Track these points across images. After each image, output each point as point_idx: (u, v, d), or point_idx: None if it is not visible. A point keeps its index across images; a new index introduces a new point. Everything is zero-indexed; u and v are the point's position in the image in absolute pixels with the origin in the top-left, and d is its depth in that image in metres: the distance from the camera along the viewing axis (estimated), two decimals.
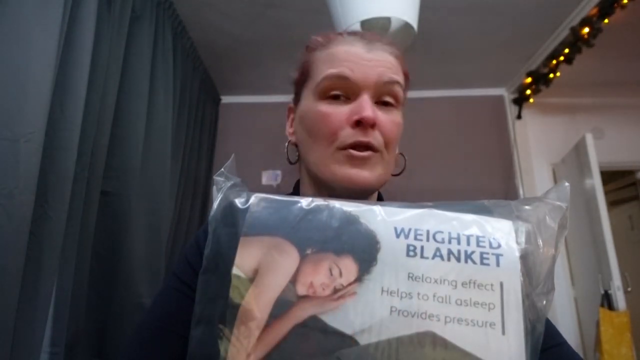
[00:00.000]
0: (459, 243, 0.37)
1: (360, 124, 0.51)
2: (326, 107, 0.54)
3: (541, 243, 0.38)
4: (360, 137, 0.52)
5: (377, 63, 0.54)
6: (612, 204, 3.44)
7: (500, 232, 0.38)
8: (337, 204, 0.41)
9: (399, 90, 0.55)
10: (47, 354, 1.06)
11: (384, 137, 0.53)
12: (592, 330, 2.21)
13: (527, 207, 0.40)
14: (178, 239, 1.94)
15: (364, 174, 0.52)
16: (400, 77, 0.56)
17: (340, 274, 0.36)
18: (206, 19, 1.92)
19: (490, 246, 0.37)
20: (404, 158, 0.63)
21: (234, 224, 0.40)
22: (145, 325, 0.49)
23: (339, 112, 0.53)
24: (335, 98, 0.54)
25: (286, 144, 0.63)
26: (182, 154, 1.93)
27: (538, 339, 0.36)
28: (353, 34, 0.59)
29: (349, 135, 0.52)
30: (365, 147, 0.52)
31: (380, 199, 0.61)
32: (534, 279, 0.37)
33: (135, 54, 1.45)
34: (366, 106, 0.52)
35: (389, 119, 0.54)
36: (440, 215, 0.39)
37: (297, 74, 0.61)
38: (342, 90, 0.54)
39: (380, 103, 0.54)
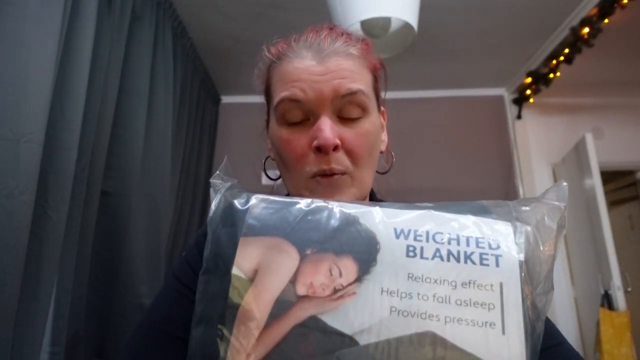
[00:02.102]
0: (458, 244, 0.37)
1: (320, 150, 0.49)
2: (287, 133, 0.52)
3: (540, 243, 0.38)
4: (323, 165, 0.49)
5: (331, 76, 0.50)
6: (612, 204, 3.44)
7: (500, 233, 0.38)
8: (337, 205, 0.41)
9: (361, 98, 0.51)
10: (47, 354, 1.06)
11: (350, 155, 0.51)
12: (592, 330, 2.21)
13: (525, 207, 0.40)
14: (178, 239, 1.94)
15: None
16: (362, 82, 0.52)
17: (340, 274, 0.36)
18: (206, 19, 1.92)
19: (490, 247, 0.37)
20: (392, 155, 0.61)
21: (233, 224, 0.40)
22: (145, 326, 0.49)
23: (300, 137, 0.51)
24: (296, 121, 0.52)
25: (264, 160, 0.62)
26: (182, 154, 1.93)
27: (538, 338, 0.36)
28: (304, 40, 0.54)
29: (313, 163, 0.50)
30: (331, 173, 0.50)
31: (372, 197, 0.61)
32: (534, 279, 0.37)
33: (135, 54, 1.45)
34: (324, 129, 0.48)
35: (354, 134, 0.51)
36: (439, 217, 0.39)
37: (262, 87, 0.59)
38: (299, 112, 0.51)
39: (344, 116, 0.51)
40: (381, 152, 0.60)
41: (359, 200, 0.53)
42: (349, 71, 0.51)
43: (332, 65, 0.51)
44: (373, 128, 0.53)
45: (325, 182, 0.50)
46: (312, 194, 0.51)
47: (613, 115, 2.73)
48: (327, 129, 0.49)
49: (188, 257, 0.52)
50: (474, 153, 2.60)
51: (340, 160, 0.50)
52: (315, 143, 0.49)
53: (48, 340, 1.05)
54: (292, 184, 0.53)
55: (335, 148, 0.49)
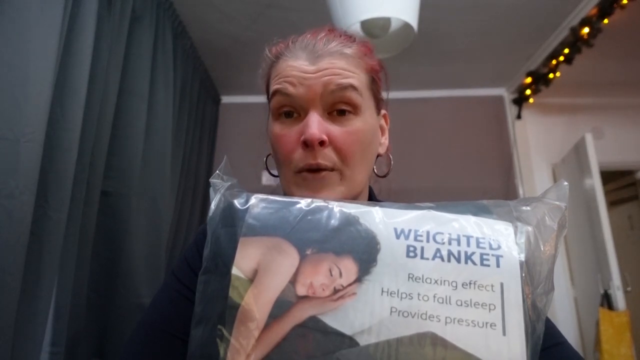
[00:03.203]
0: (459, 244, 0.37)
1: (307, 144, 0.49)
2: (279, 128, 0.53)
3: (541, 243, 0.38)
4: (310, 160, 0.49)
5: (322, 73, 0.50)
6: (611, 204, 3.44)
7: (500, 233, 0.38)
8: (337, 205, 0.41)
9: (352, 94, 0.51)
10: (47, 353, 1.06)
11: (339, 153, 0.50)
12: (592, 330, 2.21)
13: (526, 207, 0.40)
14: (178, 239, 1.94)
15: (322, 197, 0.48)
16: (355, 79, 0.52)
17: (340, 275, 0.36)
18: (206, 19, 1.92)
19: (490, 247, 0.37)
20: (390, 159, 0.61)
21: (233, 224, 0.40)
22: (144, 326, 0.49)
23: (290, 132, 0.51)
24: (289, 116, 0.52)
25: (265, 158, 0.62)
26: (182, 154, 1.93)
27: (538, 339, 0.36)
28: (301, 41, 0.55)
29: (300, 158, 0.50)
30: (318, 168, 0.50)
31: (372, 196, 0.61)
32: (534, 279, 0.37)
33: (135, 54, 1.45)
34: (311, 124, 0.49)
35: (343, 132, 0.51)
36: (440, 217, 0.39)
37: (264, 87, 0.60)
38: (290, 107, 0.52)
39: (335, 113, 0.51)
40: (380, 155, 0.60)
41: (348, 199, 0.53)
42: (340, 69, 0.51)
43: (324, 65, 0.51)
44: (365, 127, 0.53)
45: (310, 178, 0.50)
46: (299, 189, 0.51)
47: (613, 115, 2.73)
48: (314, 124, 0.49)
49: (187, 257, 0.52)
50: (474, 153, 2.60)
51: (327, 156, 0.50)
52: (302, 138, 0.49)
53: (48, 340, 1.05)
54: (283, 179, 0.54)
55: (323, 144, 0.49)
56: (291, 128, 0.52)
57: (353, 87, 0.51)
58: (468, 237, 0.37)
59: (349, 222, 0.39)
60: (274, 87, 0.53)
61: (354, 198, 0.54)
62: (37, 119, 0.92)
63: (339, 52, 0.53)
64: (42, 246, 0.97)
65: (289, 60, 0.53)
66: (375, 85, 0.57)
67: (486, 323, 0.34)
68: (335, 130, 0.51)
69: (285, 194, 0.54)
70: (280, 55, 0.55)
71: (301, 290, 0.36)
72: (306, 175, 0.50)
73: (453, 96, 2.72)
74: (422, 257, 0.36)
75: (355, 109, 0.52)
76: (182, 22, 1.87)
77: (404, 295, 0.35)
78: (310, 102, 0.51)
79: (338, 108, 0.51)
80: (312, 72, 0.51)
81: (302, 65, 0.51)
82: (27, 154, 0.89)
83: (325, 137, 0.49)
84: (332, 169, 0.50)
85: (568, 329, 2.38)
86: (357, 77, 0.52)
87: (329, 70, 0.51)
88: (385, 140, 0.61)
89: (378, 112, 0.58)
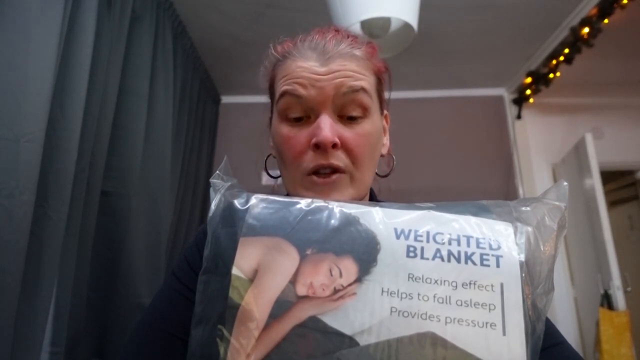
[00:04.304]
0: (459, 244, 0.37)
1: (319, 147, 0.49)
2: (288, 130, 0.52)
3: (541, 243, 0.38)
4: (321, 161, 0.49)
5: (333, 75, 0.50)
6: (611, 204, 3.44)
7: (500, 234, 0.38)
8: (337, 205, 0.41)
9: (363, 97, 0.51)
10: (47, 353, 1.06)
11: (350, 155, 0.50)
12: (592, 330, 2.21)
13: (526, 207, 0.40)
14: (178, 239, 1.94)
15: (332, 200, 0.48)
16: (365, 81, 0.52)
17: (340, 275, 0.36)
18: (206, 19, 1.92)
19: (490, 247, 0.37)
20: (392, 159, 0.61)
21: (233, 224, 0.40)
22: (144, 326, 0.49)
23: (300, 135, 0.51)
24: (298, 119, 0.52)
25: (265, 158, 0.62)
26: (182, 154, 1.93)
27: (538, 339, 0.36)
28: (309, 41, 0.54)
29: (310, 159, 0.50)
30: (329, 169, 0.49)
31: (372, 198, 0.61)
32: (534, 280, 0.37)
33: (135, 54, 1.45)
34: (323, 127, 0.48)
35: (354, 134, 0.51)
36: (440, 217, 0.39)
37: (267, 85, 0.59)
38: (300, 109, 0.51)
39: (345, 116, 0.51)
40: (382, 156, 0.60)
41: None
42: (351, 71, 0.51)
43: (335, 66, 0.51)
44: (374, 130, 0.53)
45: (321, 182, 0.50)
46: (308, 192, 0.51)
47: (613, 115, 2.73)
48: (327, 127, 0.49)
49: (188, 257, 0.52)
50: (474, 153, 2.60)
51: (339, 158, 0.50)
52: (313, 140, 0.49)
53: (48, 340, 1.05)
54: (290, 181, 0.53)
55: (334, 146, 0.49)
56: (300, 130, 0.51)
57: (364, 90, 0.51)
58: (468, 238, 0.37)
59: (349, 222, 0.39)
60: (282, 87, 0.52)
61: (360, 199, 0.54)
62: (37, 119, 0.92)
63: (349, 53, 0.52)
64: (42, 246, 0.97)
65: (298, 60, 0.52)
66: (380, 86, 0.57)
67: (486, 323, 0.34)
68: (347, 132, 0.50)
69: (289, 196, 0.54)
70: (288, 55, 0.54)
71: (301, 290, 0.36)
72: (316, 179, 0.50)
73: (453, 96, 2.72)
74: (422, 257, 0.36)
75: (365, 112, 0.52)
76: (182, 22, 1.87)
77: (404, 295, 0.35)
78: (321, 105, 0.50)
79: (349, 112, 0.51)
80: (323, 73, 0.50)
81: (313, 67, 0.51)
82: (27, 154, 0.89)
83: (337, 140, 0.49)
84: (343, 171, 0.50)
85: (568, 329, 2.38)
86: (367, 80, 0.52)
87: (341, 72, 0.50)
88: (386, 140, 0.61)
89: (382, 113, 0.58)
